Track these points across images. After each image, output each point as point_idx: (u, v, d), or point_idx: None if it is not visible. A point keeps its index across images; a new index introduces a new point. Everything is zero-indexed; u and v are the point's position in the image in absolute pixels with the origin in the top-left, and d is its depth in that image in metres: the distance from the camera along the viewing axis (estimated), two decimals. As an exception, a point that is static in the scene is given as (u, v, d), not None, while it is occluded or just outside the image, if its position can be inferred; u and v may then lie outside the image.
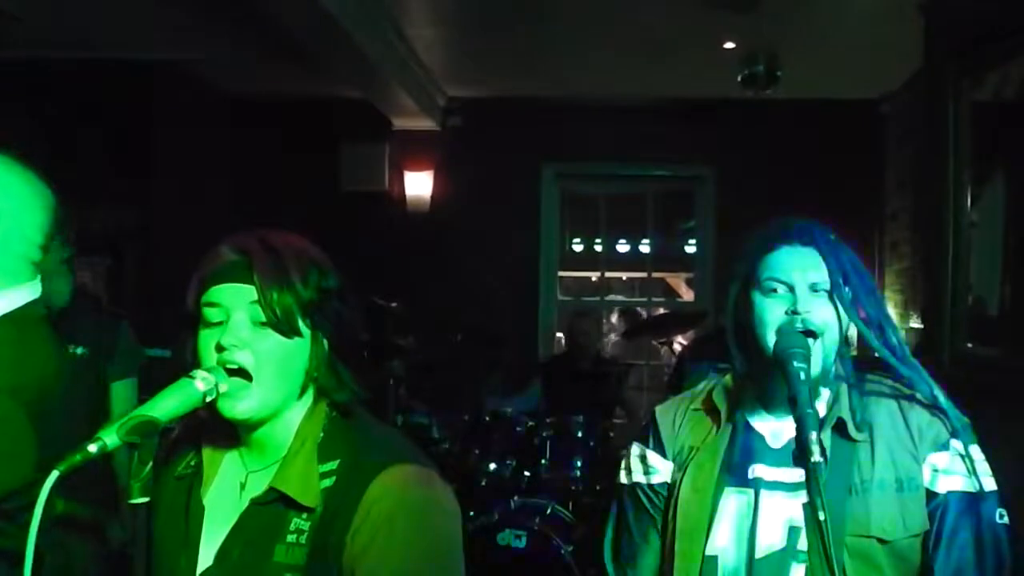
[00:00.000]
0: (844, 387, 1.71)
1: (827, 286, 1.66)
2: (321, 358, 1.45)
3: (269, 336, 1.41)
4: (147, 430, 1.28)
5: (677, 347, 6.25)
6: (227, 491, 1.50)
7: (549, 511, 4.69)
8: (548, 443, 5.11)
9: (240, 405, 1.41)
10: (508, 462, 5.14)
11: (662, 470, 1.79)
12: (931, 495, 1.61)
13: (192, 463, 1.54)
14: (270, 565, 1.40)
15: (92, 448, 1.24)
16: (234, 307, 1.40)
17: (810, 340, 1.62)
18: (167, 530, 1.52)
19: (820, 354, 1.64)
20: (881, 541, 1.59)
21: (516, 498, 4.82)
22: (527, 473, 5.06)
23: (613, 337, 8.31)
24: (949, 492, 1.61)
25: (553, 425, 5.18)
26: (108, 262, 6.59)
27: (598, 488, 5.06)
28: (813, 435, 1.44)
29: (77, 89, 6.44)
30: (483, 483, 5.10)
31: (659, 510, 1.78)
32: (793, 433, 1.50)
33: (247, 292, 1.40)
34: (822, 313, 1.65)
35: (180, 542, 1.49)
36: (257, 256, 1.41)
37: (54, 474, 1.21)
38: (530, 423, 5.23)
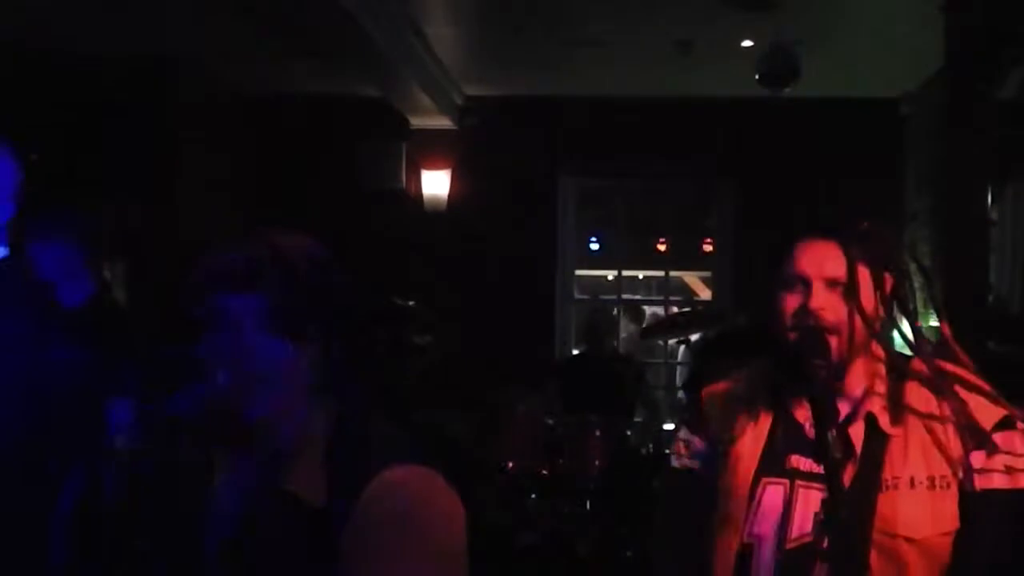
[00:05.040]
0: (882, 377, 1.68)
1: (845, 280, 1.62)
2: (331, 359, 1.46)
3: (280, 342, 1.42)
4: (160, 430, 1.29)
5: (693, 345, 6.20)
6: (237, 490, 1.51)
7: (566, 510, 4.69)
8: (565, 442, 5.10)
9: (250, 406, 1.42)
10: (525, 461, 5.14)
11: (705, 456, 1.80)
12: (966, 493, 1.58)
13: (210, 463, 1.56)
14: (274, 564, 1.41)
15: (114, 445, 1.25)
16: (247, 314, 1.41)
17: (829, 337, 1.61)
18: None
19: (838, 350, 1.62)
20: (908, 540, 1.57)
21: (532, 497, 4.82)
22: (544, 472, 5.06)
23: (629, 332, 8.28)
24: (986, 490, 1.58)
25: (570, 423, 5.18)
26: (124, 263, 6.61)
27: (615, 487, 5.05)
28: (831, 433, 1.45)
29: (94, 86, 6.46)
30: (499, 482, 5.11)
31: (702, 495, 1.77)
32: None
33: (259, 300, 1.41)
34: (837, 310, 1.63)
35: (199, 541, 1.51)
36: (268, 263, 1.42)
37: (77, 471, 1.21)
38: (548, 421, 5.23)
